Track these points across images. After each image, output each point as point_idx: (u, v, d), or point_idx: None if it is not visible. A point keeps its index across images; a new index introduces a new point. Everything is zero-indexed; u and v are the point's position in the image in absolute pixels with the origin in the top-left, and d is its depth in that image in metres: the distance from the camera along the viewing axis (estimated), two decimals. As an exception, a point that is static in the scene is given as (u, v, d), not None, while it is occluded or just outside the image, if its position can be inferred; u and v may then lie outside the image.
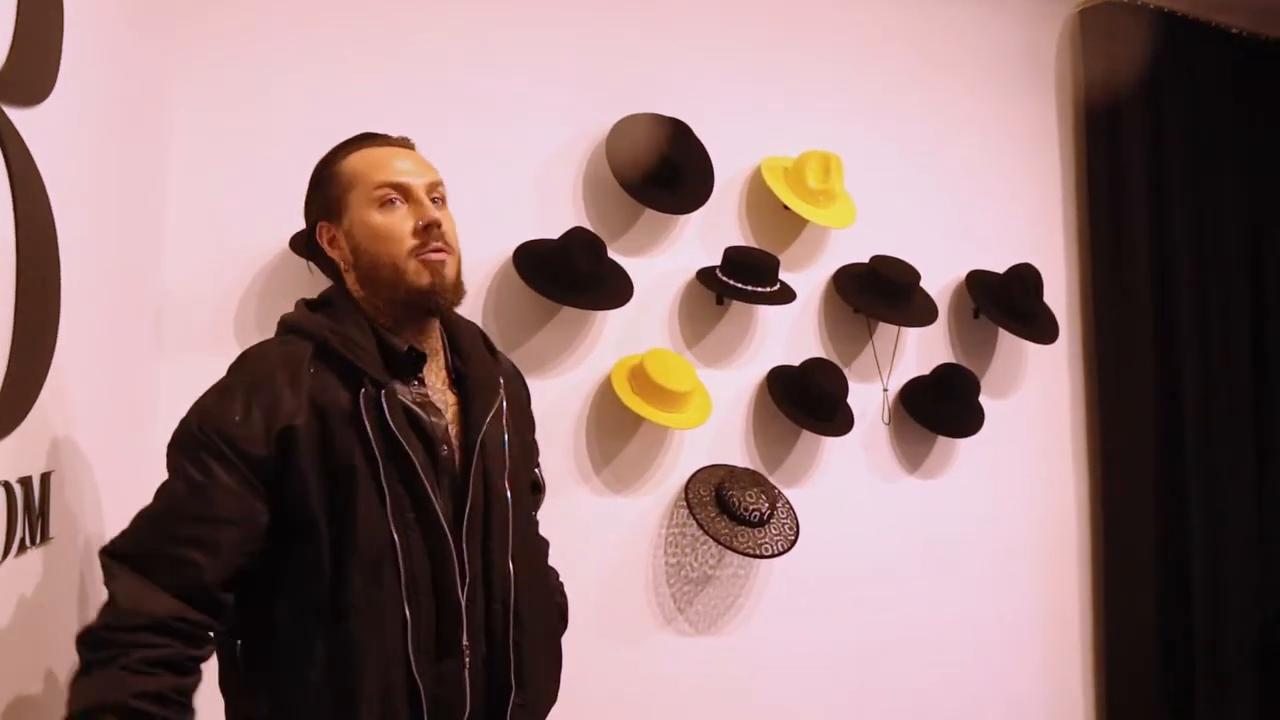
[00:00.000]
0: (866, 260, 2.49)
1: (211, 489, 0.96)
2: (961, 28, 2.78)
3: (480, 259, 2.13)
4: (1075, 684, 2.83)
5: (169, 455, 1.02)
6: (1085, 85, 2.92)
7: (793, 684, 2.41)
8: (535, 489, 1.31)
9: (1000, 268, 2.70)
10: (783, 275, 2.37)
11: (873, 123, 2.63)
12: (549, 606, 1.22)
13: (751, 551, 2.19)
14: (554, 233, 2.16)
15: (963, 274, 2.70)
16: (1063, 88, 2.97)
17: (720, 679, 2.33)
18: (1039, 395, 2.83)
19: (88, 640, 0.94)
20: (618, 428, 2.26)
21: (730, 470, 2.31)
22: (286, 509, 1.00)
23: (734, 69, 2.46)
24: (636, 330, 2.29)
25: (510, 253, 2.14)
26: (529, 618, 1.10)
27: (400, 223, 1.06)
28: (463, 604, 1.03)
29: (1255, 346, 2.99)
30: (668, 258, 2.36)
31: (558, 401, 2.22)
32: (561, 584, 1.34)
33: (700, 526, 2.18)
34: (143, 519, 1.01)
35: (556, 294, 2.11)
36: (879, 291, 2.47)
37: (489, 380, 1.14)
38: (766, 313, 2.43)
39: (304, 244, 1.19)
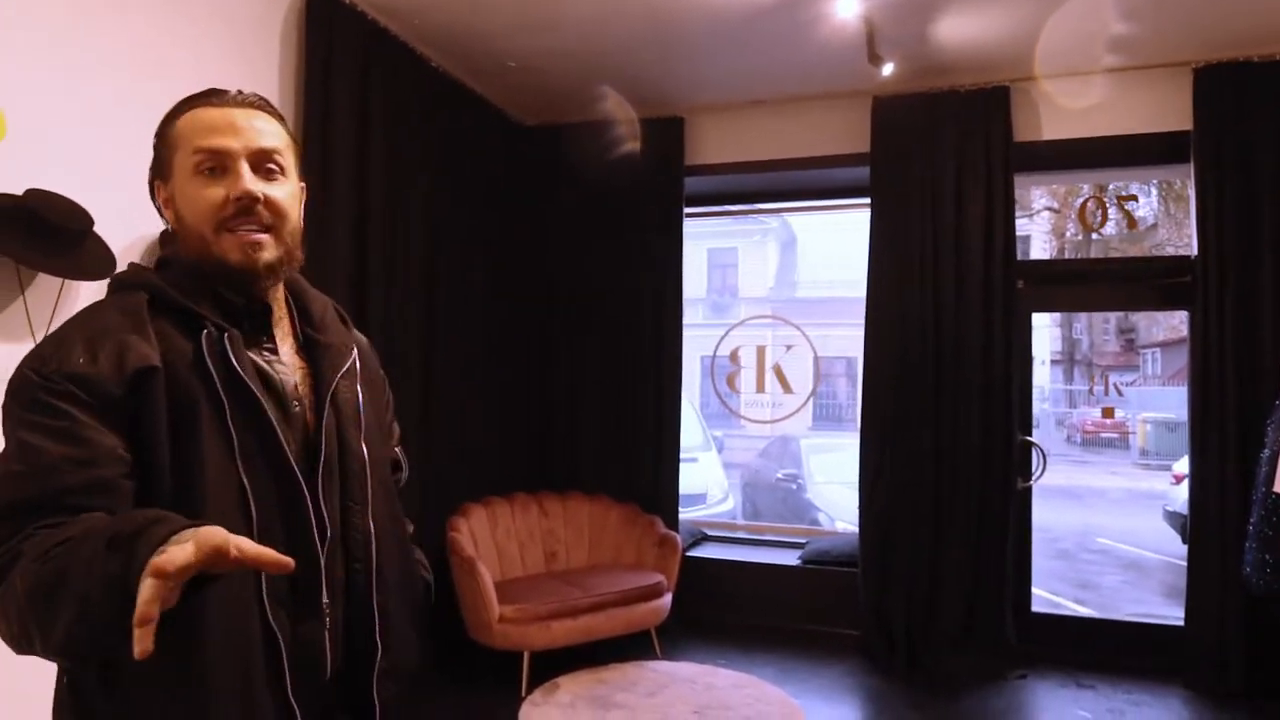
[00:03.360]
0: (20, 192, 2.02)
1: (78, 428, 0.88)
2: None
3: None
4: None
5: (5, 414, 0.91)
6: (306, 69, 2.99)
7: None
8: (395, 468, 1.24)
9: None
10: None
11: (51, 33, 2.16)
12: (412, 573, 1.20)
13: None
14: None
15: (158, 230, 2.43)
16: (285, 70, 2.97)
17: None
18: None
19: None
20: None
21: None
22: (137, 457, 0.92)
23: None
24: None
25: None
26: (392, 580, 1.09)
27: (211, 193, 0.98)
28: (322, 561, 1.01)
29: (427, 296, 3.64)
30: None
31: None
32: (425, 561, 1.27)
33: None
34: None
35: None
36: (37, 234, 2.02)
37: (340, 344, 1.11)
38: None
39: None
